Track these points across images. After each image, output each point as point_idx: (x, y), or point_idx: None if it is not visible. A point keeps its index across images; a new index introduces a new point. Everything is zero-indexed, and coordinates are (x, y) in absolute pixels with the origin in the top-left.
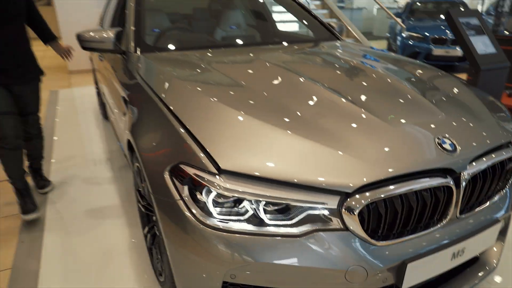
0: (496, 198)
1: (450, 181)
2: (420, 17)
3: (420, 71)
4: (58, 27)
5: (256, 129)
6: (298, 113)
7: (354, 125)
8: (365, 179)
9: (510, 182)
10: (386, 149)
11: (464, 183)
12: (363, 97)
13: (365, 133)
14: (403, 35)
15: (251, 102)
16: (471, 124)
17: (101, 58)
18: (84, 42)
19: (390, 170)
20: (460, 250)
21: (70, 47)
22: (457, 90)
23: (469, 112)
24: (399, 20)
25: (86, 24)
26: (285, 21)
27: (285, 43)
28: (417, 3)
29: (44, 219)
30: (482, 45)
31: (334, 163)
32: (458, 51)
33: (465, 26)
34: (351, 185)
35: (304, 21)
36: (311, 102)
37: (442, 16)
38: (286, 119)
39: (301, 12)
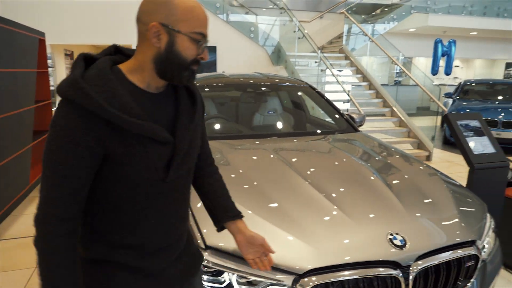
0: None
1: (399, 273)
2: (473, 98)
3: (406, 167)
4: None
5: None
6: (277, 204)
7: (320, 218)
8: (310, 266)
9: (473, 279)
10: (343, 241)
11: (411, 276)
12: (337, 193)
13: (328, 227)
14: None
15: (244, 191)
16: (430, 223)
17: None
18: None
19: (330, 259)
20: None
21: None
22: (433, 188)
23: (435, 210)
24: (442, 101)
25: None
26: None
27: (298, 135)
28: (470, 84)
29: None
30: (480, 145)
31: (294, 249)
32: (510, 134)
33: (464, 127)
34: (301, 269)
35: (326, 112)
36: (291, 195)
37: (499, 97)
38: (266, 209)
39: (325, 104)
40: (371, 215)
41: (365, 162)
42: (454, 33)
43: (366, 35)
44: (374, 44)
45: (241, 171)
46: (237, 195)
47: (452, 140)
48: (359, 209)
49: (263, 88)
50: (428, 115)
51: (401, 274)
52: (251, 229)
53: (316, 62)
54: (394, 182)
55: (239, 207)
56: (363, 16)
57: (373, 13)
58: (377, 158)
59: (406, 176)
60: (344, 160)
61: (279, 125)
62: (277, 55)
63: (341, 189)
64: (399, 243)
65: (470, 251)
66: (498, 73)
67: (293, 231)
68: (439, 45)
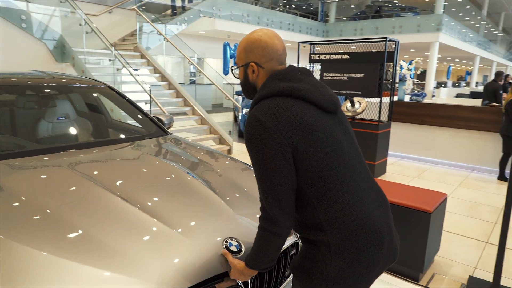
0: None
1: (236, 280)
2: None
3: (221, 164)
4: None
5: (27, 269)
6: (83, 232)
7: (140, 238)
8: None
9: None
10: (174, 262)
11: (250, 280)
12: (154, 203)
13: (152, 248)
14: (243, 111)
15: (33, 226)
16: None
17: None
18: None
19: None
20: None
21: None
22: (250, 183)
23: (256, 205)
24: (234, 98)
25: None
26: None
27: (100, 144)
28: None
29: None
30: None
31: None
32: None
33: None
34: None
35: (131, 116)
36: (101, 216)
37: None
38: (68, 243)
39: (129, 107)
40: (200, 223)
41: (182, 166)
42: (237, 38)
43: (161, 34)
44: (169, 44)
45: (24, 198)
46: (24, 233)
47: None
48: (185, 218)
49: (47, 90)
50: (223, 111)
51: (239, 281)
52: (46, 278)
53: (110, 60)
54: (211, 180)
55: (28, 250)
56: (154, 15)
57: (164, 14)
58: (194, 161)
59: (221, 171)
60: (158, 166)
61: (75, 134)
62: (61, 51)
63: (158, 198)
64: (235, 249)
65: (292, 239)
66: None
67: (110, 265)
68: (227, 48)
